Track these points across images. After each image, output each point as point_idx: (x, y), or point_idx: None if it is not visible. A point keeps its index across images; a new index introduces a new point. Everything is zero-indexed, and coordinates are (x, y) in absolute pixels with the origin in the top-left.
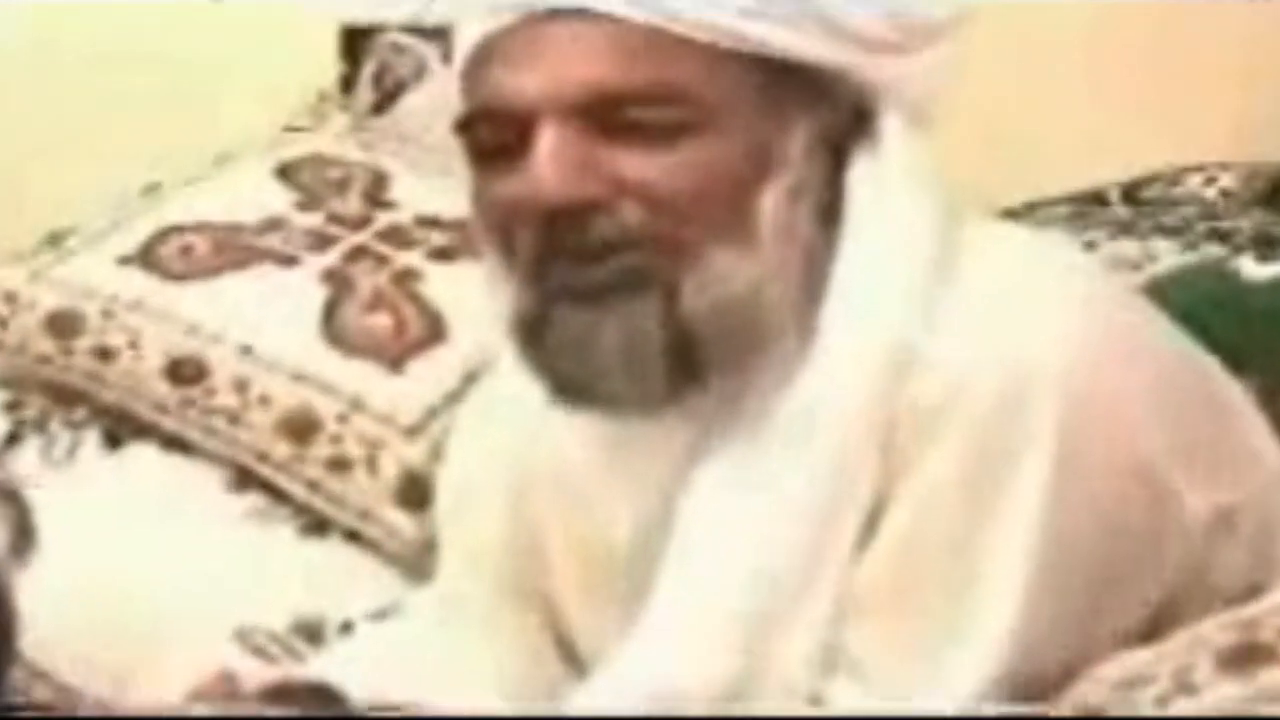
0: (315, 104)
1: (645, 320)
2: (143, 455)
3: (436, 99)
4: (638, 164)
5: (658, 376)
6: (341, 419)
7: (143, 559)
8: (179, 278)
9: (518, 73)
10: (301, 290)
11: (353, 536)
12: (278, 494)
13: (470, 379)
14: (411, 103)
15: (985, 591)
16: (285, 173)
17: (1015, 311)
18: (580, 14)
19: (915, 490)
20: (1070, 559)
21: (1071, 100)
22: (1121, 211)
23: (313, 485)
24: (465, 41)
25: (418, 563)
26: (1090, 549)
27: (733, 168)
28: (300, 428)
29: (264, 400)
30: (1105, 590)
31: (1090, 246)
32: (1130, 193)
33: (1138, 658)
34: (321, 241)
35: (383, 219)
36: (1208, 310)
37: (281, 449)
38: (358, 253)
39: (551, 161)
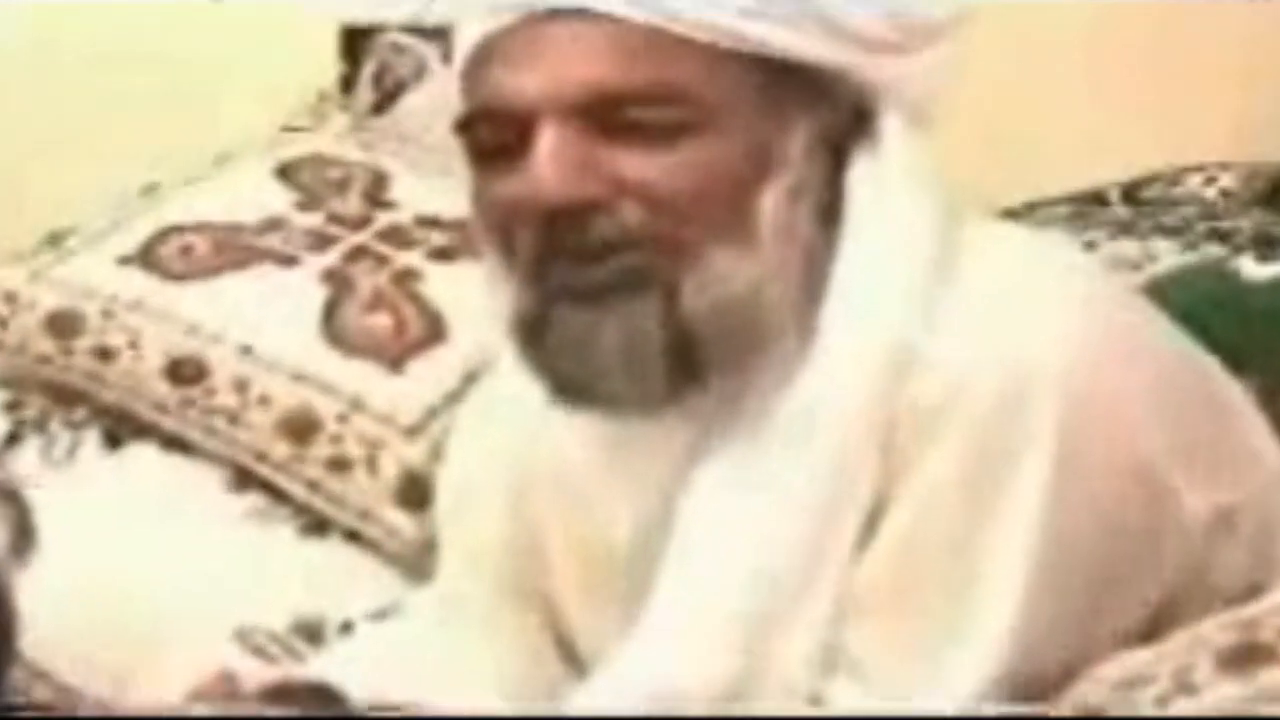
0: (315, 104)
1: (645, 320)
2: (142, 455)
3: (436, 99)
4: (638, 164)
5: (658, 376)
6: (341, 419)
7: (143, 559)
8: (179, 278)
9: (518, 73)
10: (301, 290)
11: (353, 536)
12: (278, 494)
13: (470, 379)
14: (411, 103)
15: (985, 591)
16: (285, 173)
17: (1015, 311)
18: (580, 14)
19: (915, 490)
20: (1070, 559)
21: (1071, 100)
22: (1121, 211)
23: (313, 485)
24: (465, 41)
25: (418, 563)
26: (1090, 549)
27: (733, 168)
28: (300, 428)
29: (264, 400)
30: (1105, 590)
31: (1090, 246)
32: (1130, 193)
33: (1138, 658)
34: (321, 241)
35: (383, 219)
36: (1208, 310)
37: (281, 449)
38: (358, 253)
39: (551, 161)
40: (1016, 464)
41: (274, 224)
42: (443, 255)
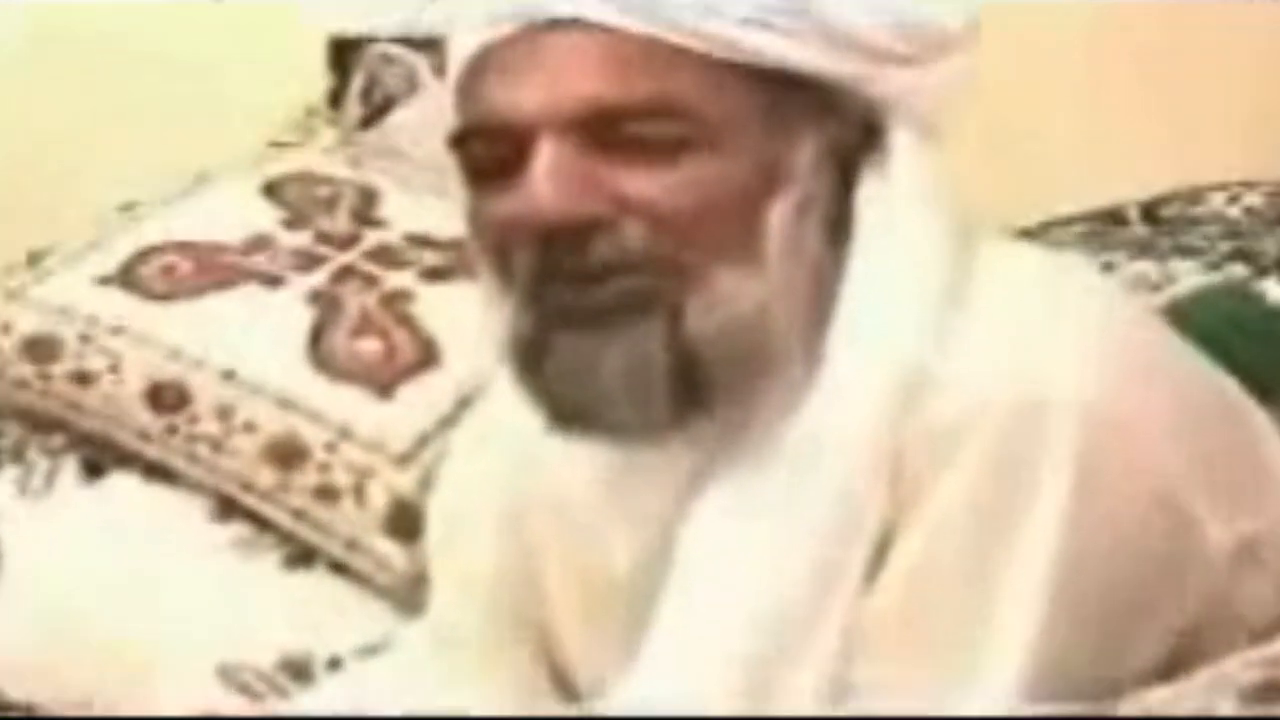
0: (302, 118)
1: (648, 344)
2: (123, 484)
3: (428, 113)
4: (639, 181)
5: (661, 402)
6: (329, 447)
7: (123, 593)
8: (161, 298)
9: (514, 87)
10: (288, 312)
11: (341, 569)
12: (263, 524)
13: (464, 405)
14: (402, 117)
15: (999, 624)
16: (271, 190)
17: (1031, 333)
18: (579, 25)
19: (928, 515)
20: (1089, 588)
21: (1079, 111)
22: (1141, 231)
23: (299, 515)
24: (459, 53)
25: (408, 596)
26: (1110, 578)
27: (737, 184)
28: (286, 455)
29: (248, 427)
30: (1126, 622)
31: (1109, 267)
32: (1150, 211)
33: (1157, 695)
34: (309, 261)
35: (372, 238)
36: (1230, 333)
37: (266, 477)
38: (346, 273)
39: (549, 178)
40: (1033, 488)
41: (259, 243)
42: (435, 276)
